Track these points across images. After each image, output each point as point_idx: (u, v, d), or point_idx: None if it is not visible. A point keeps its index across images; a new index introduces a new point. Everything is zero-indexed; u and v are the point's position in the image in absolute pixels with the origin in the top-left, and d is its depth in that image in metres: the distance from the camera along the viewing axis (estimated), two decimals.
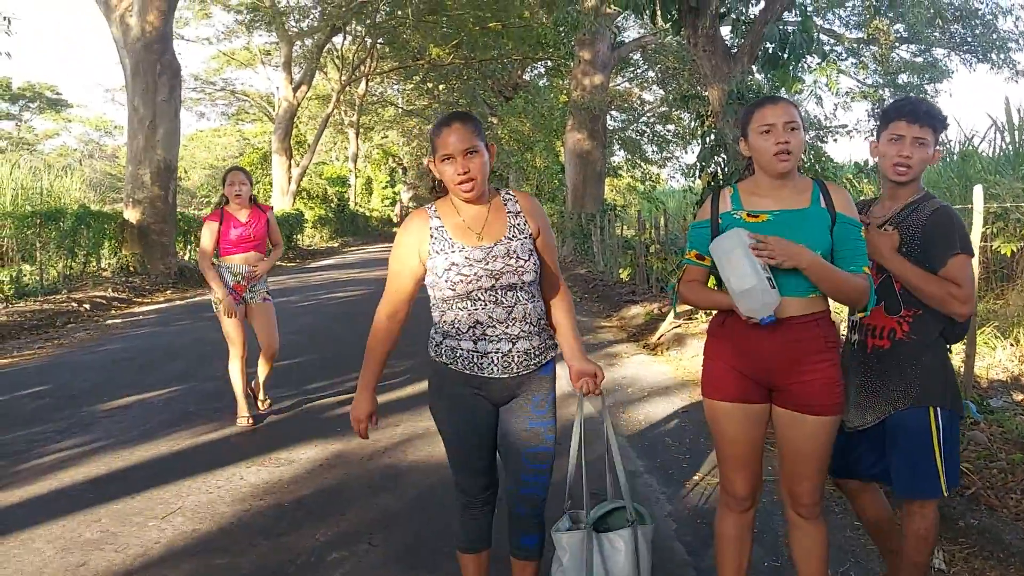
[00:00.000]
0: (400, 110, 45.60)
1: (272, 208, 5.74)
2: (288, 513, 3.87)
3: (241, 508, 3.93)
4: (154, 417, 5.62)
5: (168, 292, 14.20)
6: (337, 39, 30.51)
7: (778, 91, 8.21)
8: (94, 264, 14.63)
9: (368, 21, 27.86)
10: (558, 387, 2.59)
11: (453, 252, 2.40)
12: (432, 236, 2.43)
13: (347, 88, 34.42)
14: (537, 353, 2.48)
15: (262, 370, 5.79)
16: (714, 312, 2.59)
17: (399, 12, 26.45)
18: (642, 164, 34.57)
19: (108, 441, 5.05)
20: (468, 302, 2.42)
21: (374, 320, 2.54)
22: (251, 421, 5.43)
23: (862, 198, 3.22)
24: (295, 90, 26.58)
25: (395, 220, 47.83)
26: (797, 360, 2.38)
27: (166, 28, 15.72)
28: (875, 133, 2.71)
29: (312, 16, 29.27)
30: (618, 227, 16.45)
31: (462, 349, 2.45)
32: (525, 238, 2.48)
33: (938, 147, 2.63)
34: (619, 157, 34.51)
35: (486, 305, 2.41)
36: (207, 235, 5.44)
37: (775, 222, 2.38)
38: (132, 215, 15.43)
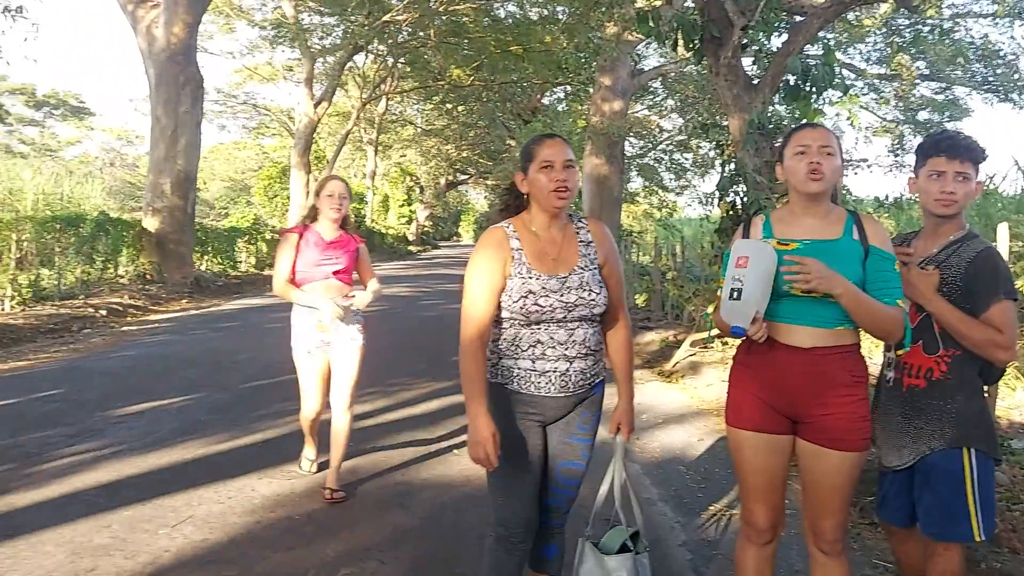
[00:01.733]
0: (419, 130, 45.86)
1: (364, 241, 4.53)
2: (299, 526, 3.85)
3: (252, 519, 3.91)
4: (166, 425, 5.61)
5: (183, 301, 14.25)
6: (359, 57, 30.74)
7: (798, 123, 8.20)
8: (112, 271, 14.74)
9: (390, 41, 28.05)
10: None
11: (531, 279, 2.41)
12: (513, 257, 2.43)
13: (367, 106, 34.68)
14: (592, 373, 2.52)
15: (335, 445, 4.28)
16: (740, 340, 2.56)
17: (421, 33, 26.65)
18: (659, 191, 34.63)
19: (120, 447, 5.04)
20: (533, 324, 2.43)
21: (465, 347, 2.40)
22: (316, 468, 4.57)
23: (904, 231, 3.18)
24: (316, 106, 26.74)
25: (411, 239, 47.97)
26: (821, 392, 2.34)
27: (191, 41, 15.94)
28: (913, 169, 2.68)
29: (335, 34, 29.50)
30: (634, 253, 16.43)
31: (520, 368, 2.45)
32: (595, 269, 2.51)
33: (979, 181, 2.60)
34: (636, 184, 34.59)
35: (549, 327, 2.43)
36: (285, 253, 4.22)
37: (804, 251, 2.35)
38: (151, 223, 15.56)
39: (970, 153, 2.53)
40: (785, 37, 8.83)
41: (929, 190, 2.57)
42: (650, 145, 30.53)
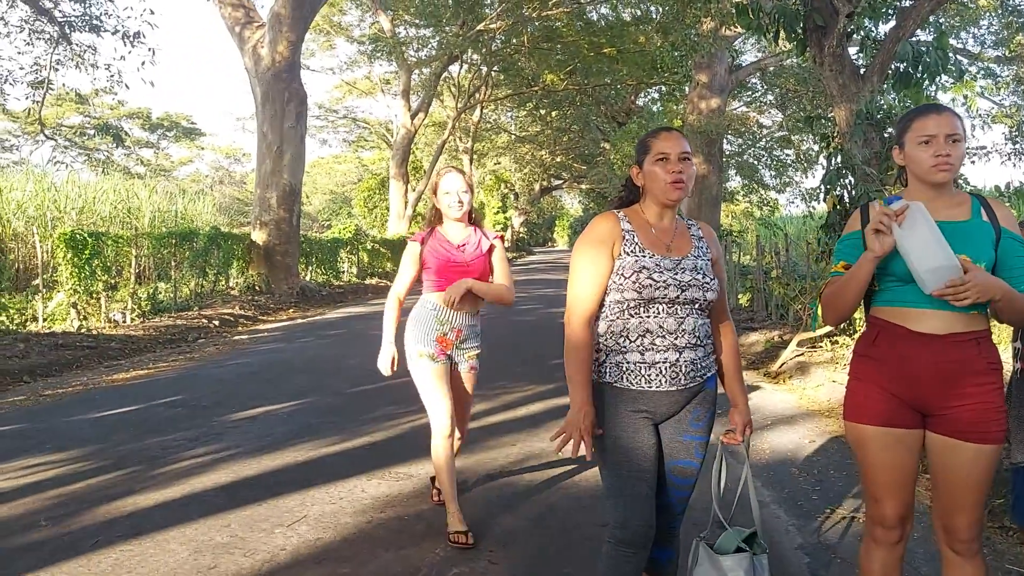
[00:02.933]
0: (513, 136, 46.16)
1: (503, 237, 4.03)
2: (409, 526, 3.89)
3: (363, 519, 3.97)
4: (278, 428, 5.77)
5: (290, 311, 14.72)
6: (454, 67, 31.18)
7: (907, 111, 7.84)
8: (223, 283, 15.36)
9: (484, 49, 28.33)
10: None
11: (644, 257, 2.38)
12: (624, 238, 2.41)
13: (462, 115, 35.10)
14: (702, 365, 2.44)
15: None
16: (862, 331, 2.44)
17: (515, 40, 26.83)
18: (760, 189, 33.80)
19: (236, 450, 5.21)
20: (642, 309, 2.38)
21: (571, 331, 2.38)
22: (468, 539, 3.59)
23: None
24: (413, 117, 27.27)
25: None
26: (954, 382, 2.20)
27: (294, 58, 16.46)
28: None
29: (430, 45, 30.06)
30: (735, 253, 16.07)
31: (628, 362, 2.38)
32: (708, 260, 2.49)
33: None
34: (735, 182, 33.85)
35: (659, 315, 2.38)
36: (405, 266, 3.84)
37: None
38: (259, 236, 16.13)
39: None
40: (893, 22, 8.46)
41: None
42: (749, 142, 29.85)
